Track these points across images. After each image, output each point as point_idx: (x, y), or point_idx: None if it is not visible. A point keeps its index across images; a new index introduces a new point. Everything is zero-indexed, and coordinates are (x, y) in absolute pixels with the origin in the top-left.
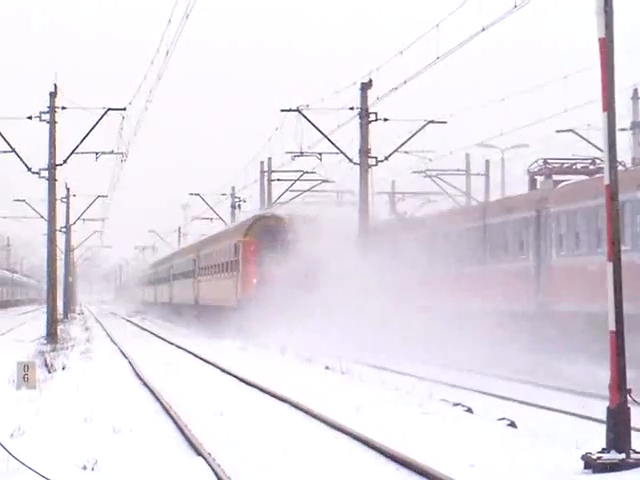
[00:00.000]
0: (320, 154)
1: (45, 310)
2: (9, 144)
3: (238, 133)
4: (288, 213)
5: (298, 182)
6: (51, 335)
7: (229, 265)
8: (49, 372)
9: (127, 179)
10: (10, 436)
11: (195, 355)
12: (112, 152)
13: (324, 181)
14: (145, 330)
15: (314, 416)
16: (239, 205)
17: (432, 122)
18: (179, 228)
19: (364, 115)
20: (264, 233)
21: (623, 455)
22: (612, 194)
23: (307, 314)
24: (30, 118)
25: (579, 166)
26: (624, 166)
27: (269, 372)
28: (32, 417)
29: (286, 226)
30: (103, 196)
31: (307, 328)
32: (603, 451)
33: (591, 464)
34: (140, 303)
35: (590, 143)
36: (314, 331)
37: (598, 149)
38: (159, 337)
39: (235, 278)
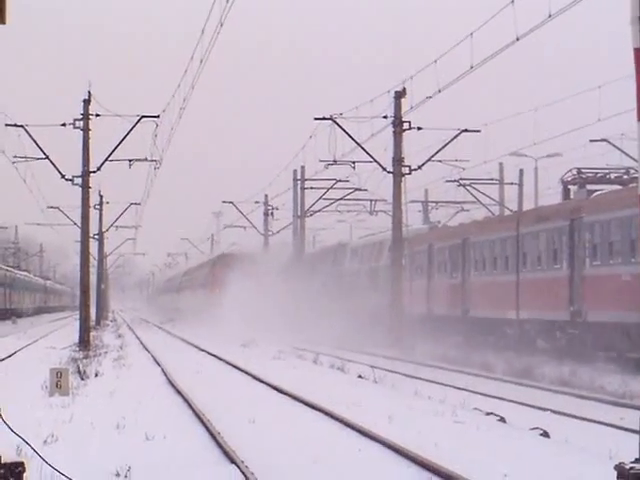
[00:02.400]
0: (353, 162)
1: (78, 317)
2: (43, 151)
3: (272, 141)
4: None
5: (331, 190)
6: (84, 342)
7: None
8: (82, 379)
9: (160, 187)
10: (44, 443)
11: (227, 362)
12: (146, 159)
13: (357, 189)
14: (177, 337)
15: (347, 424)
16: (272, 213)
17: (465, 131)
18: (212, 236)
19: (397, 124)
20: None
21: None
22: None
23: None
24: (64, 125)
25: (613, 176)
26: None
27: (301, 380)
28: (65, 424)
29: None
30: (136, 203)
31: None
32: (636, 461)
33: (624, 474)
34: (170, 310)
35: (624, 153)
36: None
37: (632, 159)
38: (191, 344)
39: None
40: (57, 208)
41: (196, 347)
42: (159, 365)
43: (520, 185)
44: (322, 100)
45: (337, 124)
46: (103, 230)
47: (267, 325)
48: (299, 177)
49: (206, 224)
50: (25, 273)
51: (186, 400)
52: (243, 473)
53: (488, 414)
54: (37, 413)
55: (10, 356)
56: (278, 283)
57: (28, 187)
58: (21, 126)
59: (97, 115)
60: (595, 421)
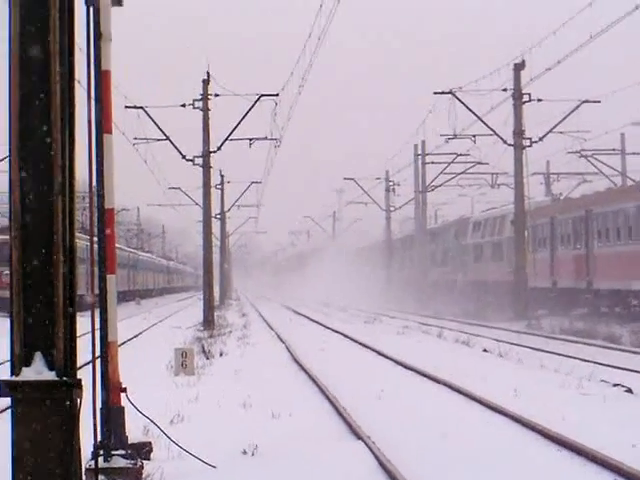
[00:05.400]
0: (474, 136)
1: (201, 297)
2: (164, 132)
3: (391, 117)
4: None
5: (452, 165)
6: (208, 321)
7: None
8: (207, 358)
9: (281, 165)
10: (170, 422)
11: (351, 339)
12: (266, 138)
13: (478, 163)
14: (301, 315)
15: (473, 398)
16: (393, 189)
17: (586, 102)
18: (334, 213)
19: (517, 96)
20: None
21: None
22: None
23: None
24: (183, 106)
25: None
26: None
27: (426, 355)
28: (191, 403)
29: None
30: (257, 182)
31: None
32: None
33: None
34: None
35: None
36: None
37: None
38: (315, 321)
39: None
40: (178, 189)
41: (321, 325)
42: (283, 342)
43: None
44: (442, 74)
45: (457, 98)
46: (225, 209)
47: (392, 302)
48: (420, 152)
49: (328, 201)
50: (148, 254)
51: (311, 377)
52: (370, 449)
53: (615, 385)
54: (163, 393)
55: (135, 337)
56: (401, 260)
57: (149, 168)
58: (141, 107)
59: (216, 95)
60: None
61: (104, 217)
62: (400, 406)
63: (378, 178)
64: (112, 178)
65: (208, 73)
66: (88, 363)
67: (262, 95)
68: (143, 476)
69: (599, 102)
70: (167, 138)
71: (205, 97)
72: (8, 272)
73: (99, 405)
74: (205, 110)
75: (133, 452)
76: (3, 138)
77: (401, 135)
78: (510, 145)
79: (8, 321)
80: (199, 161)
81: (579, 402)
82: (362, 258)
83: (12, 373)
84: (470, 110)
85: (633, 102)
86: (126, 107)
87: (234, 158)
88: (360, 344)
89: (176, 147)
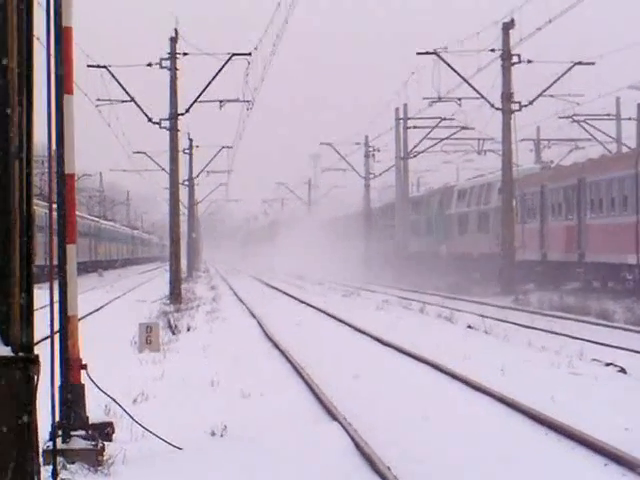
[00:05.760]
0: (459, 99)
1: (168, 268)
2: (128, 93)
3: (371, 78)
4: None
5: (436, 130)
6: (175, 295)
7: None
8: (173, 334)
9: (254, 129)
10: (133, 402)
11: (328, 314)
12: (237, 100)
13: (464, 128)
14: (274, 288)
15: (456, 378)
16: (373, 155)
17: (579, 64)
18: (309, 180)
19: (506, 57)
20: None
21: None
22: None
23: None
24: (150, 65)
25: None
26: None
27: (407, 332)
28: (156, 381)
29: None
30: (228, 147)
31: None
32: None
33: None
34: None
35: None
36: None
37: None
38: (289, 295)
39: None
40: (144, 153)
41: (296, 299)
42: (255, 318)
43: (639, 120)
44: (425, 33)
45: (441, 58)
46: (193, 176)
47: (371, 275)
48: (401, 116)
49: (303, 168)
50: (111, 223)
51: (284, 354)
52: (347, 431)
53: (607, 365)
54: (126, 370)
55: (97, 310)
56: (381, 231)
57: (113, 132)
58: (104, 67)
59: (185, 54)
60: None
61: (64, 183)
62: (379, 386)
63: (357, 143)
64: (73, 141)
65: (176, 30)
66: (46, 338)
67: (234, 54)
68: (104, 458)
69: (593, 64)
70: (132, 99)
71: (173, 56)
72: None
73: (58, 383)
74: (173, 70)
75: (94, 433)
76: None
77: (382, 99)
78: (498, 109)
79: None
80: (166, 124)
81: (569, 382)
82: (339, 228)
83: None
84: (455, 72)
85: (629, 64)
86: (88, 66)
87: (203, 121)
88: (337, 319)
89: (141, 109)
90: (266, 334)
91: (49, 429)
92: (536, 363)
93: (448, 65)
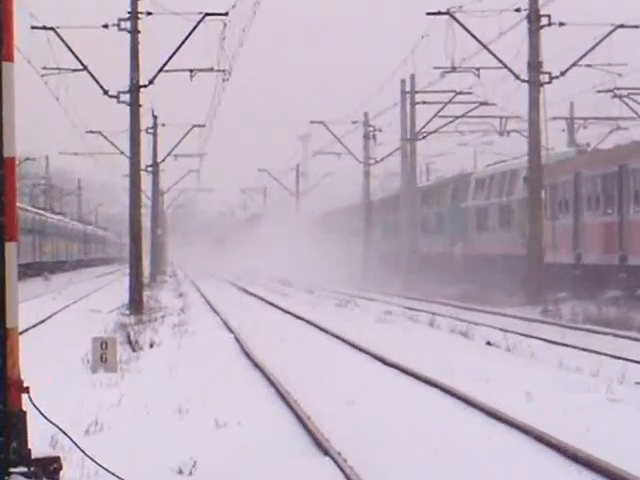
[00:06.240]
0: (478, 69)
1: (127, 272)
2: (80, 61)
3: (373, 44)
4: None
5: (449, 105)
6: (135, 303)
7: None
8: (133, 350)
9: (230, 104)
10: (85, 432)
11: (319, 327)
12: (212, 69)
13: (482, 104)
14: (254, 296)
15: (473, 405)
16: (374, 135)
17: (622, 26)
18: (297, 166)
19: (534, 19)
20: None
21: None
22: None
23: None
24: (106, 27)
25: None
26: None
27: (414, 348)
28: (112, 408)
29: None
30: (200, 125)
31: None
32: None
33: None
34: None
35: None
36: None
37: None
38: (272, 304)
39: None
40: (99, 133)
41: (280, 309)
42: (232, 332)
43: None
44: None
45: (456, 20)
46: (158, 160)
47: (370, 280)
48: (408, 89)
49: (290, 152)
50: (59, 217)
51: (266, 376)
52: (341, 468)
53: None
54: (76, 395)
55: (42, 322)
56: (383, 227)
57: (62, 107)
58: (51, 28)
59: (148, 13)
60: None
61: (2, 168)
62: (380, 413)
63: (355, 122)
64: (13, 118)
65: None
66: None
67: (207, 14)
68: None
69: (638, 27)
70: (85, 68)
71: (134, 16)
72: None
73: None
74: (134, 32)
75: (37, 469)
76: None
77: (385, 68)
78: (524, 81)
79: None
80: (125, 98)
81: (608, 410)
82: (333, 224)
83: None
84: (473, 36)
85: None
86: (32, 28)
87: (171, 95)
88: (330, 334)
89: (96, 80)
90: (245, 351)
91: None
92: (568, 387)
93: (464, 28)
